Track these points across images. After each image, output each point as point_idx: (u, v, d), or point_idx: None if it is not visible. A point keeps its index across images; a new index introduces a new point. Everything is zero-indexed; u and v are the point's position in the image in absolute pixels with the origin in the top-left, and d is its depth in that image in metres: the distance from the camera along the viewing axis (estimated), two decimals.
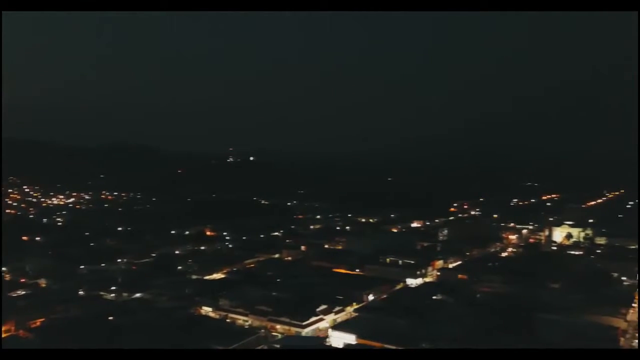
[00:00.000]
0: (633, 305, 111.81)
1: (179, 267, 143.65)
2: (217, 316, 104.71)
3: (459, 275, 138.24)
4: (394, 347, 76.83)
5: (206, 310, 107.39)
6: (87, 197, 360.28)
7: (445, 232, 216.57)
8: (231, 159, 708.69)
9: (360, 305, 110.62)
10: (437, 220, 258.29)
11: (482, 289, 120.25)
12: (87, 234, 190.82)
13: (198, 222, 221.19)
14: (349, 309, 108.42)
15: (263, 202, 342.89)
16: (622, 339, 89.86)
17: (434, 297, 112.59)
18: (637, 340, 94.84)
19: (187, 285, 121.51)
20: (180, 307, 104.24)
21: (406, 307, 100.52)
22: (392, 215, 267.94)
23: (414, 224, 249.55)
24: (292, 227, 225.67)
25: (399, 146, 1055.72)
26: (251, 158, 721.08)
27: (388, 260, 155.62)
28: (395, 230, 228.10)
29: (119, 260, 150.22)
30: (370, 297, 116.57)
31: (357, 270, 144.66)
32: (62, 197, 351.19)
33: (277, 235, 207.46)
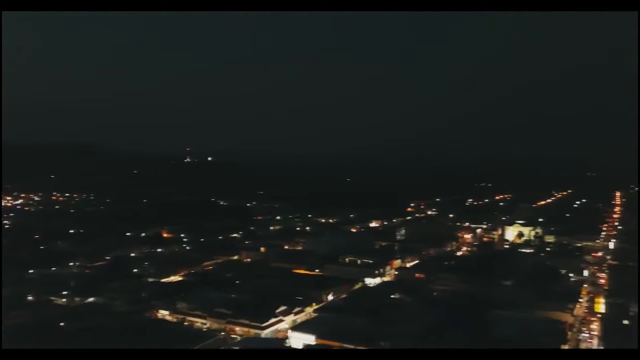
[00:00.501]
0: (579, 300, 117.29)
1: (135, 270, 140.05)
2: (174, 319, 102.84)
3: (416, 274, 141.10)
4: (352, 347, 77.62)
5: (163, 313, 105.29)
6: (36, 198, 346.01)
7: (403, 231, 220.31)
8: (188, 160, 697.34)
9: (320, 305, 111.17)
10: (395, 220, 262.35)
11: (439, 287, 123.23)
12: (37, 236, 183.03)
13: (154, 223, 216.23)
14: (309, 310, 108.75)
15: (222, 203, 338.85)
16: (569, 332, 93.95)
17: (392, 296, 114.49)
18: (582, 334, 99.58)
19: (143, 289, 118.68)
20: (136, 311, 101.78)
21: (365, 307, 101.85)
22: (352, 216, 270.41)
23: (373, 224, 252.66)
24: (252, 228, 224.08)
25: (366, 149, 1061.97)
26: (209, 158, 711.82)
27: (347, 260, 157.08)
28: (354, 230, 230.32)
29: (71, 263, 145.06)
30: (330, 297, 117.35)
31: (317, 270, 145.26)
32: (9, 198, 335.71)
33: (235, 236, 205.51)
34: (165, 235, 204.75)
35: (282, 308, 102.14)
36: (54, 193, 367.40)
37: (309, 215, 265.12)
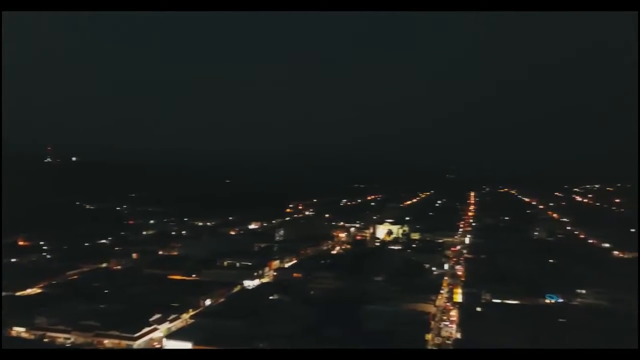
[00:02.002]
0: (441, 291, 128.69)
1: None
2: (32, 336, 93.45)
3: (294, 274, 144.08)
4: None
5: (18, 330, 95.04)
6: None
7: (282, 232, 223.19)
8: (49, 160, 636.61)
9: (197, 311, 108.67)
10: (274, 222, 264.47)
11: (315, 286, 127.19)
12: None
13: (8, 231, 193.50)
14: (185, 316, 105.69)
15: (88, 207, 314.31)
16: (432, 322, 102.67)
17: (270, 297, 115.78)
18: (444, 323, 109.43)
19: None
20: None
21: (243, 309, 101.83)
22: (230, 218, 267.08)
23: (252, 226, 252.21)
24: (122, 233, 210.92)
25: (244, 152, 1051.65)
26: (74, 158, 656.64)
27: (225, 263, 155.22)
28: (233, 233, 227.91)
29: None
30: (208, 302, 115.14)
31: (194, 275, 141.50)
32: None
33: (104, 242, 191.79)
34: (21, 243, 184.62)
35: (157, 316, 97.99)
36: None
37: (185, 219, 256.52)
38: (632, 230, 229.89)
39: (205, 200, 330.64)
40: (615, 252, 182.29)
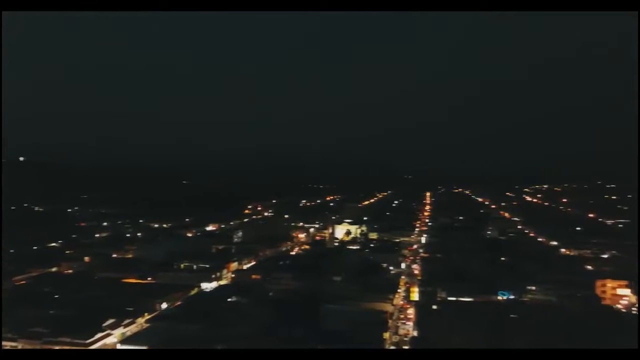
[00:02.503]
0: (398, 290, 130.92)
1: None
2: None
3: (253, 276, 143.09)
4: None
5: None
6: None
7: (240, 234, 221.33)
8: None
9: (153, 315, 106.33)
10: (232, 223, 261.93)
11: (275, 287, 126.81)
12: None
13: None
14: (141, 320, 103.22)
15: (37, 209, 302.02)
16: (390, 320, 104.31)
17: (229, 300, 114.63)
18: (401, 321, 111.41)
19: None
20: None
21: (200, 312, 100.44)
22: (187, 220, 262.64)
23: (210, 228, 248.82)
24: (74, 236, 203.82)
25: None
26: (21, 158, 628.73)
27: (182, 266, 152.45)
28: (190, 235, 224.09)
29: None
30: (164, 306, 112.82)
31: (149, 278, 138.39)
32: None
33: (54, 246, 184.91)
34: None
35: (110, 321, 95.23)
36: None
37: (141, 220, 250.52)
38: (578, 228, 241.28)
39: (161, 202, 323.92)
40: (562, 250, 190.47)
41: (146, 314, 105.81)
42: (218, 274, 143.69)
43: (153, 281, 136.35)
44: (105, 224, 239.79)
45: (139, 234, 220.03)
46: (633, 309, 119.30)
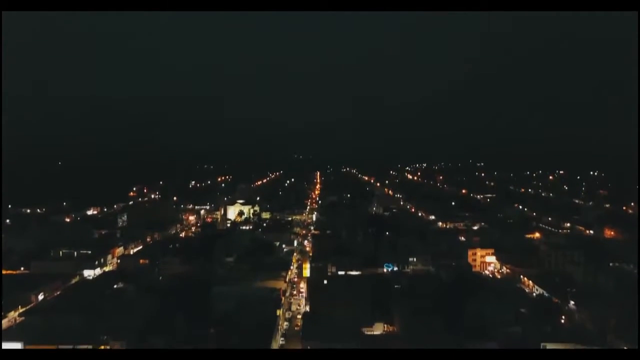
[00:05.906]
0: (291, 267, 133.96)
1: None
2: None
3: (141, 260, 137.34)
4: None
5: None
6: None
7: (125, 217, 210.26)
8: None
9: (28, 307, 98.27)
10: (116, 206, 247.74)
11: (163, 272, 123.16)
12: None
13: None
14: (13, 314, 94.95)
15: None
16: (283, 297, 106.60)
17: (114, 287, 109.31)
18: (294, 298, 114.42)
19: None
20: None
21: (83, 301, 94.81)
22: (64, 204, 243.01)
23: (90, 212, 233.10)
24: None
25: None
26: None
27: (61, 253, 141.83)
28: (68, 220, 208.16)
29: None
30: (40, 297, 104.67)
31: (22, 269, 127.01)
32: None
33: None
34: None
35: None
36: None
37: (9, 206, 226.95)
38: (452, 203, 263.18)
39: (34, 184, 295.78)
40: (439, 224, 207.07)
41: (20, 307, 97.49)
42: (102, 259, 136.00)
43: (27, 271, 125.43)
44: None
45: (7, 221, 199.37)
46: (496, 273, 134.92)
